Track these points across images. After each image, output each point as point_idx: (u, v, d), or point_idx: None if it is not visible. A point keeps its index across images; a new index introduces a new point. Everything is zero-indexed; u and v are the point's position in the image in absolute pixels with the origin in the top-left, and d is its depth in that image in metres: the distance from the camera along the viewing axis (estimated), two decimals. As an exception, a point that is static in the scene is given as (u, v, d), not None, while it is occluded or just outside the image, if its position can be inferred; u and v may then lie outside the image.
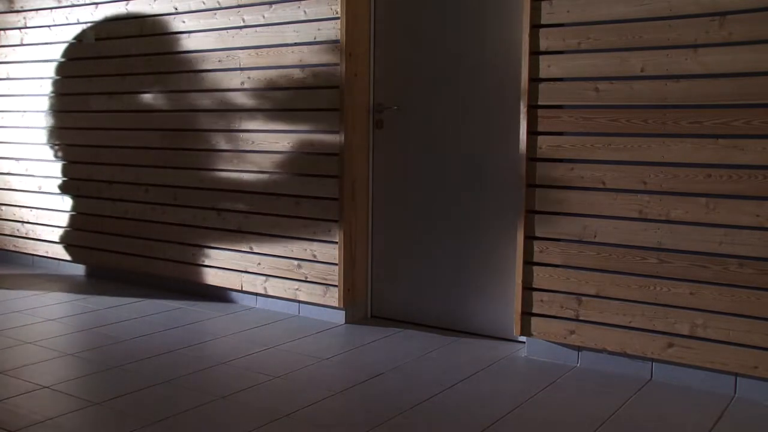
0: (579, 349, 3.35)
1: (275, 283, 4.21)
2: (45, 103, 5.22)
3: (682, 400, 2.95)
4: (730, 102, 2.91)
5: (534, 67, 3.31)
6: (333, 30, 3.89)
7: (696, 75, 2.97)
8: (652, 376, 3.18)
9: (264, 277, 4.25)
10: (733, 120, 2.91)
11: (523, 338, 3.52)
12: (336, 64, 3.89)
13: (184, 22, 4.46)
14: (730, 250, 2.94)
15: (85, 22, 4.93)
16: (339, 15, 3.86)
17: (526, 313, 3.42)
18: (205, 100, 4.41)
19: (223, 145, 4.34)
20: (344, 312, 4.02)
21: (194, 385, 3.05)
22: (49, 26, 5.16)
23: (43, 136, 5.25)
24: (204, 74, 4.40)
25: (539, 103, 3.32)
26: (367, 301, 4.13)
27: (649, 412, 2.82)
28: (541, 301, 3.38)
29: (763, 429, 2.69)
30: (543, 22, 3.28)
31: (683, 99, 3.00)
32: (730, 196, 2.93)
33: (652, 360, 3.17)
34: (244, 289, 4.34)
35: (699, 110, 2.98)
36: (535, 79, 3.31)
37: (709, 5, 2.92)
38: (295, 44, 4.04)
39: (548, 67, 3.28)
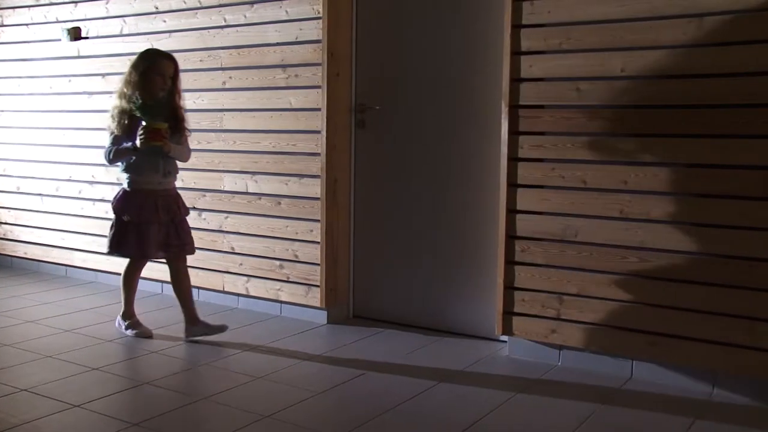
0: (560, 348, 3.36)
1: (257, 284, 4.20)
2: (23, 103, 5.17)
3: (662, 398, 2.97)
4: (709, 102, 2.94)
5: (515, 67, 3.32)
6: (315, 30, 3.88)
7: (675, 75, 2.99)
8: (632, 375, 3.20)
9: (246, 278, 4.23)
10: (712, 120, 2.93)
11: (504, 338, 3.53)
12: (318, 64, 3.89)
13: (164, 21, 4.44)
14: (711, 249, 2.96)
15: (64, 21, 4.89)
16: (321, 15, 3.85)
17: (508, 313, 3.43)
18: (188, 101, 4.37)
19: (205, 146, 4.31)
20: (326, 312, 4.01)
21: (175, 387, 3.03)
22: (26, 24, 5.11)
23: (20, 135, 5.20)
24: (186, 74, 4.36)
25: (521, 103, 3.33)
26: (349, 301, 4.13)
27: (629, 411, 2.84)
28: (523, 300, 3.39)
29: (740, 426, 2.72)
30: (524, 22, 3.29)
31: (663, 99, 3.02)
32: (710, 195, 2.95)
33: (633, 359, 3.19)
34: (225, 289, 4.31)
35: (679, 110, 3.00)
36: (516, 79, 3.32)
37: (687, 7, 2.94)
38: (277, 44, 4.03)
39: (530, 67, 3.29)
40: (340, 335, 3.80)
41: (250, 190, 4.18)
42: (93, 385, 3.02)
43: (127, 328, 3.72)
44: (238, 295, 4.30)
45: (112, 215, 3.61)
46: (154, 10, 4.47)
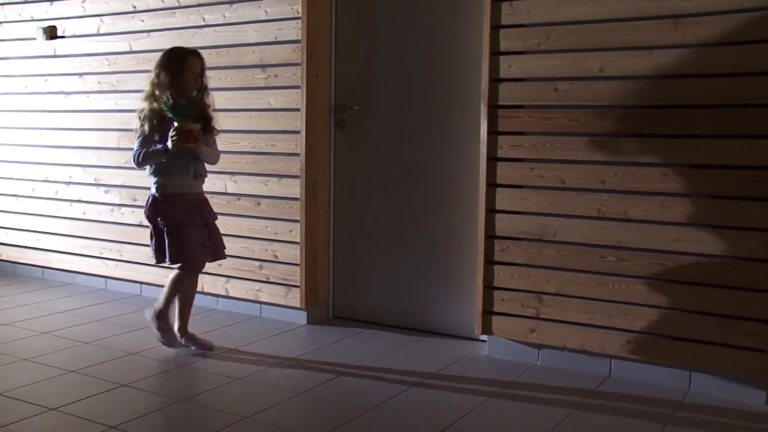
0: (540, 347, 3.38)
1: (236, 285, 4.18)
2: (-1, 103, 5.12)
3: (639, 396, 2.99)
4: (683, 103, 2.97)
5: (494, 67, 3.33)
6: (294, 30, 3.87)
7: (652, 76, 3.02)
8: (610, 373, 3.22)
9: (225, 279, 4.21)
10: (686, 120, 2.96)
11: (484, 337, 3.54)
12: (297, 64, 3.88)
13: (142, 21, 4.40)
14: (685, 248, 2.99)
15: (39, 19, 4.84)
16: (300, 15, 3.84)
17: (488, 312, 3.44)
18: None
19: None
20: (306, 312, 4.00)
21: (155, 388, 3.01)
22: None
23: (-4, 136, 5.14)
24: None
25: (500, 103, 3.34)
26: (329, 302, 4.12)
27: (607, 409, 2.85)
28: (503, 300, 3.40)
29: (714, 422, 2.75)
30: (503, 22, 3.30)
31: (640, 99, 3.05)
32: (686, 194, 2.99)
33: (611, 357, 3.21)
34: (205, 290, 4.29)
35: (655, 110, 3.02)
36: (495, 80, 3.34)
37: (665, 8, 2.97)
38: (256, 44, 4.01)
39: (509, 67, 3.31)
40: (320, 336, 3.79)
41: (229, 191, 4.16)
42: (70, 388, 2.99)
43: (156, 326, 3.47)
44: (218, 296, 4.28)
45: (147, 224, 3.45)
46: (131, 9, 4.44)
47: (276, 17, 3.93)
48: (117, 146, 4.56)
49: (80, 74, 4.70)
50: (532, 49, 3.25)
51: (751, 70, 2.83)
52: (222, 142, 4.14)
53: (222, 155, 4.12)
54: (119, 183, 4.57)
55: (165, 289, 3.46)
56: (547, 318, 3.31)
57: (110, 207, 4.62)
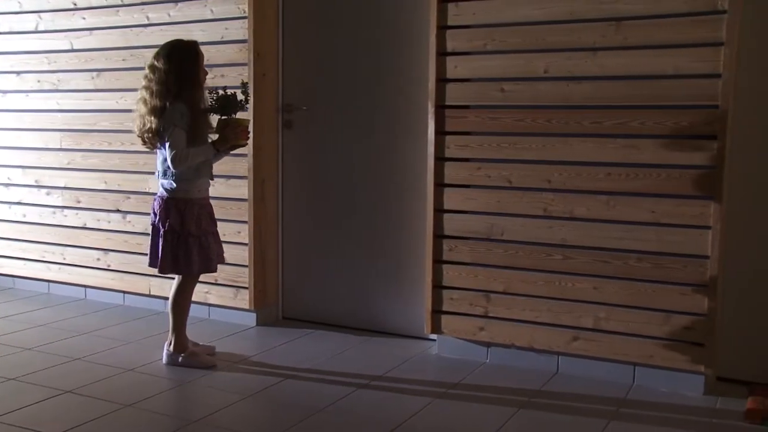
0: (488, 345, 3.41)
1: (184, 287, 4.12)
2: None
3: (586, 391, 3.05)
4: (626, 103, 3.03)
5: (441, 67, 3.36)
6: (241, 30, 3.84)
7: (595, 77, 3.07)
8: (558, 370, 3.27)
9: (173, 281, 4.14)
10: (630, 120, 3.03)
11: (433, 336, 3.56)
12: (244, 64, 3.84)
13: (84, 18, 4.31)
14: (629, 245, 3.06)
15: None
16: (246, 14, 3.81)
17: (437, 311, 3.47)
18: (110, 101, 4.27)
19: (129, 147, 4.20)
20: (255, 314, 3.97)
21: (100, 393, 2.95)
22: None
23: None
24: (108, 74, 4.26)
25: (447, 103, 3.37)
26: (278, 303, 4.09)
27: (553, 407, 2.90)
28: (451, 299, 3.43)
29: (656, 415, 2.81)
30: (450, 23, 3.33)
31: (584, 100, 3.10)
32: (629, 193, 3.05)
33: (558, 354, 3.26)
34: (152, 293, 4.22)
35: (599, 111, 3.08)
36: (442, 80, 3.36)
37: (606, 10, 3.03)
38: (202, 44, 3.92)
39: (455, 67, 3.33)
40: (269, 337, 3.77)
41: (175, 192, 4.10)
42: (11, 396, 2.91)
43: (185, 362, 3.26)
44: (165, 298, 4.20)
45: (159, 231, 3.20)
46: (72, 6, 4.34)
47: (222, 17, 3.89)
48: (59, 147, 4.45)
49: (18, 72, 4.57)
50: (478, 50, 3.28)
51: (690, 73, 2.91)
52: (168, 143, 4.08)
53: (168, 156, 4.08)
54: (62, 185, 4.46)
55: (173, 316, 3.27)
56: (495, 316, 3.35)
57: (52, 209, 4.51)
